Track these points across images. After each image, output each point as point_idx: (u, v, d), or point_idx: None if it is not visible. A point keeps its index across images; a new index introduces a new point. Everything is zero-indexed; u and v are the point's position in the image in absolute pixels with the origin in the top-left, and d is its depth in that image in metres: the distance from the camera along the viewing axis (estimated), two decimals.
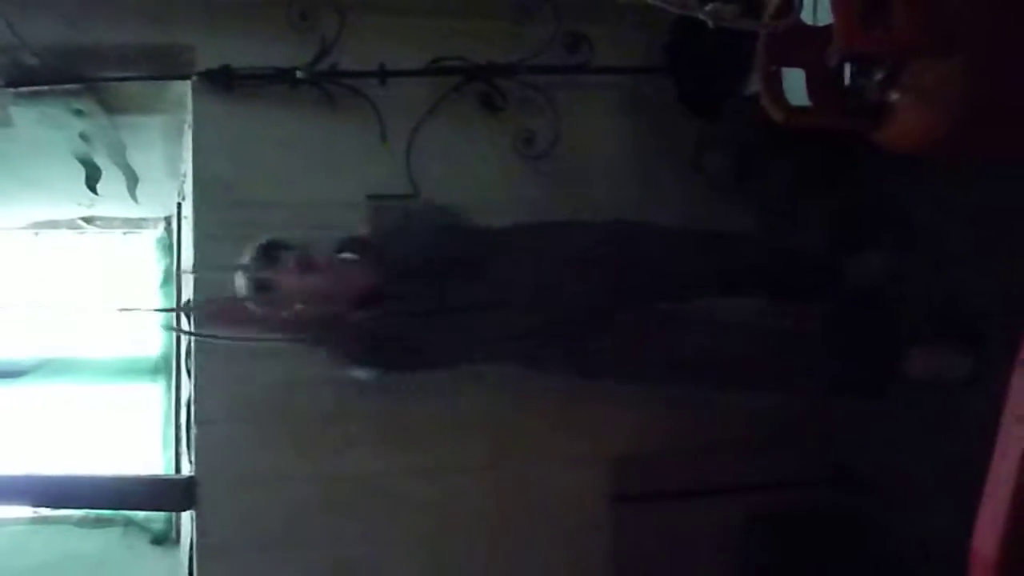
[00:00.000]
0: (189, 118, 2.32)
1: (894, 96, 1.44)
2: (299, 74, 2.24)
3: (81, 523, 2.66)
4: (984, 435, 1.06)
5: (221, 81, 2.24)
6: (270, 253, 1.93)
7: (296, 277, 1.92)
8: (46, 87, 2.24)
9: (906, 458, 2.24)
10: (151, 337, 2.83)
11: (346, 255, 2.03)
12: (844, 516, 2.43)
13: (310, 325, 2.04)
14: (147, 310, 2.69)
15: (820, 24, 1.49)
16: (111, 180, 2.49)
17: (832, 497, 2.47)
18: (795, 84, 1.55)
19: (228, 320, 2.10)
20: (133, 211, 2.77)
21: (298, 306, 1.95)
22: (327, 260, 2.00)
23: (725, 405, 2.40)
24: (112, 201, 2.63)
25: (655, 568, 2.43)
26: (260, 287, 1.92)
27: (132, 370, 2.85)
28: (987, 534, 0.92)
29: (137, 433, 2.83)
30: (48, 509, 2.61)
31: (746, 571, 2.45)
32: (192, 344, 2.33)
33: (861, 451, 2.42)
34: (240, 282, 1.95)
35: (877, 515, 2.36)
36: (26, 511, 2.65)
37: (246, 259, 1.94)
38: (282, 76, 2.25)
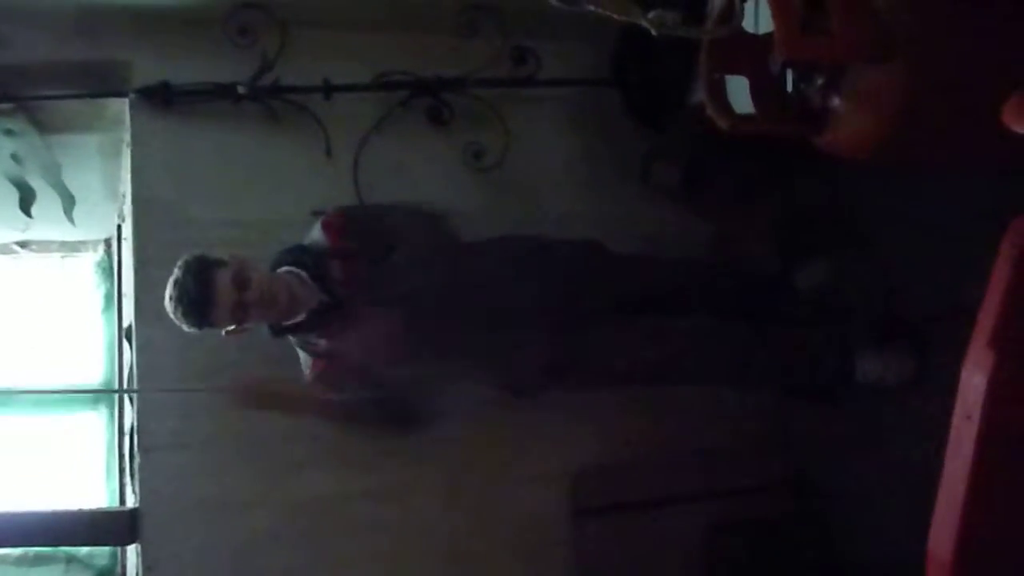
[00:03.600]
0: (127, 136, 2.26)
1: (835, 102, 1.46)
2: (241, 90, 2.20)
3: (19, 562, 2.55)
4: (934, 436, 1.07)
5: (159, 98, 2.19)
6: (202, 274, 1.81)
7: (232, 297, 1.81)
8: None
9: (862, 461, 2.27)
10: (92, 364, 2.74)
11: (289, 269, 1.97)
12: (806, 522, 2.45)
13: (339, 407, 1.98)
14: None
15: (761, 32, 1.50)
16: (46, 202, 2.40)
17: (793, 503, 2.49)
18: (739, 92, 1.56)
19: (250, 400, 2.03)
20: (71, 234, 2.69)
21: (230, 328, 1.86)
22: (264, 274, 1.91)
23: (684, 415, 2.41)
24: (48, 224, 2.55)
25: None
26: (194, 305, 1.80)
27: (72, 399, 2.75)
28: (942, 535, 0.92)
29: (79, 464, 2.73)
30: None
31: None
32: (134, 369, 2.25)
33: (819, 456, 2.44)
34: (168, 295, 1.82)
35: (838, 520, 2.38)
36: None
37: (175, 276, 1.82)
38: (223, 92, 2.20)
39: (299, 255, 1.98)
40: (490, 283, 2.02)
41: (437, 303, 1.98)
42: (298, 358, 2.02)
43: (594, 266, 2.14)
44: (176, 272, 1.82)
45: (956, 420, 0.93)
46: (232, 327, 1.86)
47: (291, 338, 2.00)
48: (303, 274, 1.95)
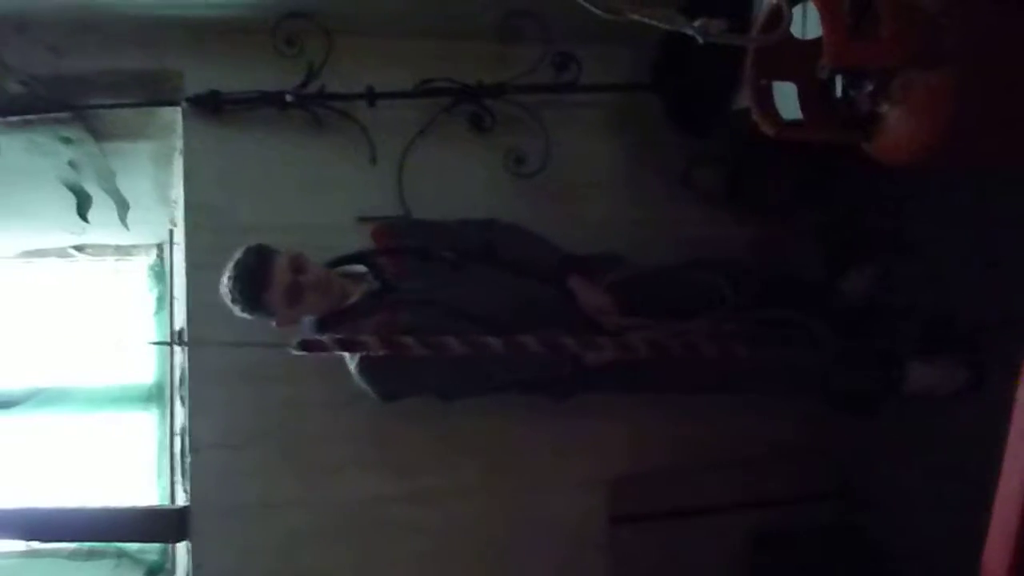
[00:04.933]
0: (179, 144, 2.32)
1: (884, 108, 1.44)
2: (288, 98, 2.23)
3: (73, 556, 2.62)
4: (982, 447, 1.05)
5: (210, 106, 2.24)
6: (262, 255, 1.88)
7: (288, 277, 1.86)
8: (33, 115, 2.23)
9: (906, 472, 2.23)
10: (144, 365, 2.80)
11: (343, 269, 2.02)
12: (847, 532, 2.41)
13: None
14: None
15: (809, 37, 1.49)
16: (101, 207, 2.47)
17: (835, 514, 2.45)
18: (785, 98, 1.55)
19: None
20: (124, 238, 2.76)
21: (285, 311, 1.90)
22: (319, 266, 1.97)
23: (725, 424, 2.39)
24: (103, 229, 2.62)
25: None
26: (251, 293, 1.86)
27: (125, 398, 2.82)
28: (997, 551, 0.90)
29: (131, 463, 2.80)
30: (40, 542, 2.57)
31: None
32: (186, 371, 2.30)
33: (863, 467, 2.40)
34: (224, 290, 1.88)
35: (880, 530, 2.34)
36: (18, 545, 2.61)
37: (235, 258, 1.89)
38: (271, 100, 2.24)
39: (351, 256, 2.05)
40: (529, 287, 2.04)
41: (477, 300, 2.00)
42: (338, 376, 2.05)
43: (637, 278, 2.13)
44: (237, 255, 1.89)
45: (1012, 438, 0.91)
46: (284, 312, 1.89)
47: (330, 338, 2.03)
48: (358, 268, 2.02)
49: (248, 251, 1.89)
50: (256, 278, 1.85)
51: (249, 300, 1.87)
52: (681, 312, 2.05)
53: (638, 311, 2.05)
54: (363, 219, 2.31)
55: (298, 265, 1.89)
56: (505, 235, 2.14)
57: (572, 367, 2.01)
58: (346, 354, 2.02)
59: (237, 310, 1.89)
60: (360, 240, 2.17)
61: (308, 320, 1.99)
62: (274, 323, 1.93)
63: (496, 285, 2.04)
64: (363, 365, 1.97)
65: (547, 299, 2.05)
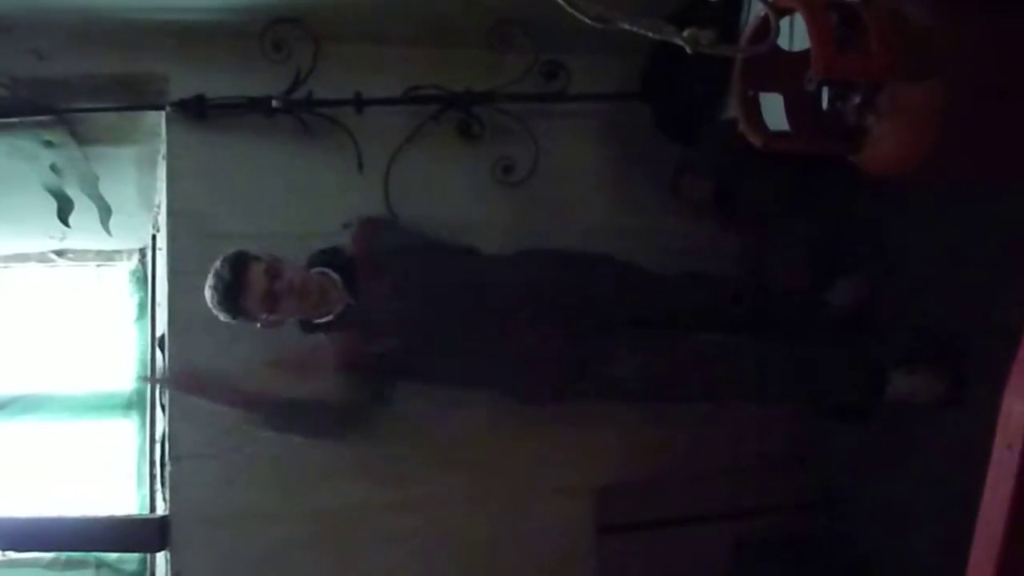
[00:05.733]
0: (163, 148, 2.30)
1: (871, 120, 1.45)
2: (274, 103, 2.22)
3: (51, 566, 2.59)
4: (967, 457, 1.05)
5: (195, 111, 2.22)
6: (238, 264, 1.90)
7: (264, 284, 1.90)
8: (15, 119, 2.20)
9: (891, 482, 2.24)
10: (124, 372, 2.77)
11: (322, 270, 2.03)
12: (832, 542, 2.41)
13: (269, 402, 2.05)
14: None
15: (797, 49, 1.49)
16: (83, 212, 2.45)
17: (820, 524, 2.45)
18: (773, 108, 1.55)
19: (191, 387, 2.11)
20: (106, 243, 2.74)
21: (265, 316, 1.94)
22: (298, 269, 1.99)
23: (711, 433, 2.39)
24: (84, 233, 2.59)
25: None
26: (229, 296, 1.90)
27: (105, 406, 2.79)
28: (982, 561, 0.90)
29: (111, 471, 2.76)
30: (18, 552, 2.53)
31: None
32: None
33: (847, 477, 2.40)
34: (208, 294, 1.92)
35: (865, 541, 2.34)
36: None
37: (215, 266, 1.92)
38: (257, 105, 2.23)
39: (332, 257, 2.05)
40: (506, 293, 2.05)
41: (452, 309, 2.02)
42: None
43: (618, 281, 2.13)
44: (216, 263, 1.93)
45: (996, 449, 0.91)
46: (264, 316, 1.94)
47: (322, 335, 2.05)
48: (335, 276, 2.02)
49: (224, 260, 1.92)
50: (232, 286, 1.89)
51: (227, 308, 1.92)
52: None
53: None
54: (347, 225, 2.29)
55: (274, 272, 1.92)
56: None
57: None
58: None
59: (220, 317, 1.93)
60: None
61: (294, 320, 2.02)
62: (258, 325, 1.96)
63: (465, 331, 2.03)
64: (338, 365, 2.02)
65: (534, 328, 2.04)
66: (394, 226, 2.24)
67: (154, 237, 2.64)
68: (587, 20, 1.22)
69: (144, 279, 2.81)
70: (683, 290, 2.20)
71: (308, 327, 2.04)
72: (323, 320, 2.01)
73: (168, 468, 2.24)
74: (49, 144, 2.29)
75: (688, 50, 1.25)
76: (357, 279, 2.02)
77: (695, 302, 2.17)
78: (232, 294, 1.90)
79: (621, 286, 2.14)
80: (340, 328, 2.03)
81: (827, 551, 2.43)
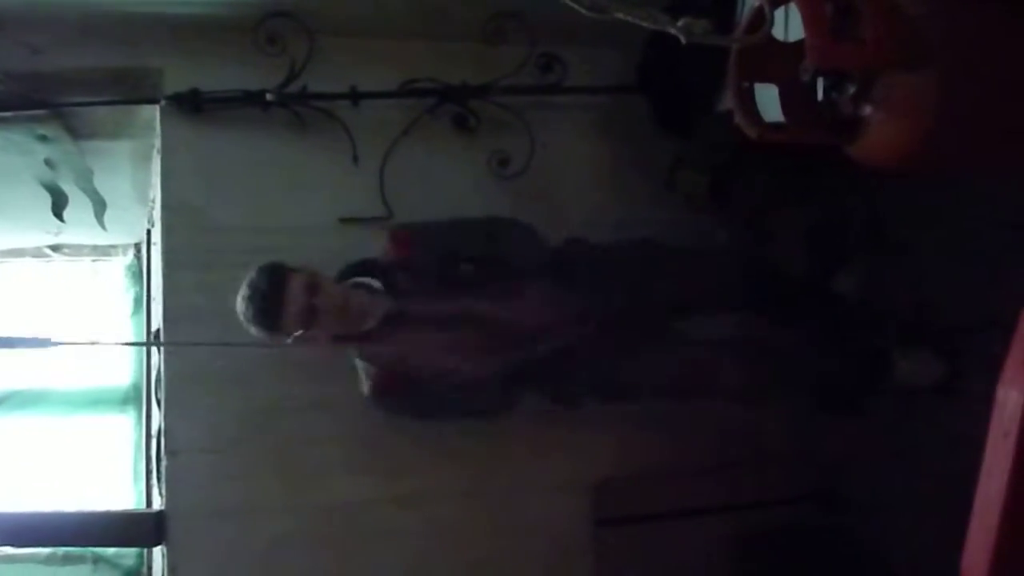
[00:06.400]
0: (158, 142, 2.29)
1: (867, 110, 1.44)
2: (269, 97, 2.21)
3: (49, 560, 2.59)
4: (965, 448, 1.05)
5: (190, 104, 2.21)
6: (275, 275, 1.83)
7: (303, 299, 1.82)
8: (9, 113, 2.20)
9: (890, 474, 2.24)
10: (121, 367, 2.77)
11: (362, 280, 1.98)
12: (832, 534, 2.42)
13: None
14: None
15: (792, 40, 1.49)
16: (78, 207, 2.44)
17: (819, 515, 2.46)
18: (768, 100, 1.55)
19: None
20: (101, 238, 2.73)
21: (301, 332, 1.86)
22: (337, 284, 1.94)
23: (708, 426, 2.39)
24: (79, 228, 2.59)
25: None
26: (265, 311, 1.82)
27: (102, 401, 2.79)
28: (977, 553, 0.90)
29: (107, 466, 2.76)
30: (14, 547, 2.53)
31: None
32: (162, 373, 2.27)
33: (846, 469, 2.41)
34: (241, 307, 1.85)
35: (864, 532, 2.34)
36: None
37: (250, 277, 1.85)
38: (252, 99, 2.22)
39: (368, 265, 2.01)
40: (544, 297, 2.03)
41: (492, 315, 1.99)
42: (325, 376, 2.04)
43: (646, 269, 2.11)
44: (251, 274, 1.85)
45: (992, 438, 0.91)
46: (299, 332, 1.85)
47: (352, 353, 2.01)
48: (374, 283, 1.98)
49: (261, 271, 1.84)
50: (269, 300, 1.81)
51: (263, 323, 1.83)
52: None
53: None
54: (345, 220, 2.29)
55: (313, 287, 1.84)
56: (506, 233, 2.08)
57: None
58: (362, 377, 2.01)
59: (252, 331, 1.86)
60: (339, 241, 2.14)
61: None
62: (289, 342, 1.88)
63: (509, 297, 2.00)
64: (376, 392, 1.98)
65: (563, 312, 2.02)
66: (429, 227, 2.14)
67: (149, 232, 2.63)
68: (582, 10, 1.21)
69: (139, 274, 2.80)
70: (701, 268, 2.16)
71: (341, 342, 1.98)
72: (364, 331, 1.94)
73: (164, 463, 2.23)
74: (43, 138, 2.29)
75: (682, 39, 1.24)
76: (398, 283, 1.97)
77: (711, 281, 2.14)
78: (270, 307, 1.80)
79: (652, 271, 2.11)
80: (381, 336, 1.95)
81: (826, 544, 2.43)
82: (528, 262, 2.05)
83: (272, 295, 1.81)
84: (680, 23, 1.24)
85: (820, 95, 1.49)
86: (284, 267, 1.85)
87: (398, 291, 1.97)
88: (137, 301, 2.79)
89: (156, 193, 2.35)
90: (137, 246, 2.83)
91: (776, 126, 1.55)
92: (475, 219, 2.11)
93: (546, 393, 2.11)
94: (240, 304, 1.84)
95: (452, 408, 2.05)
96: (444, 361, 1.96)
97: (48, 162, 2.33)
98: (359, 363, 2.02)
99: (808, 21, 1.31)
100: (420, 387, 1.99)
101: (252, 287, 1.83)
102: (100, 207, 2.45)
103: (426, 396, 2.00)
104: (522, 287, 2.02)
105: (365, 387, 2.00)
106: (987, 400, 0.99)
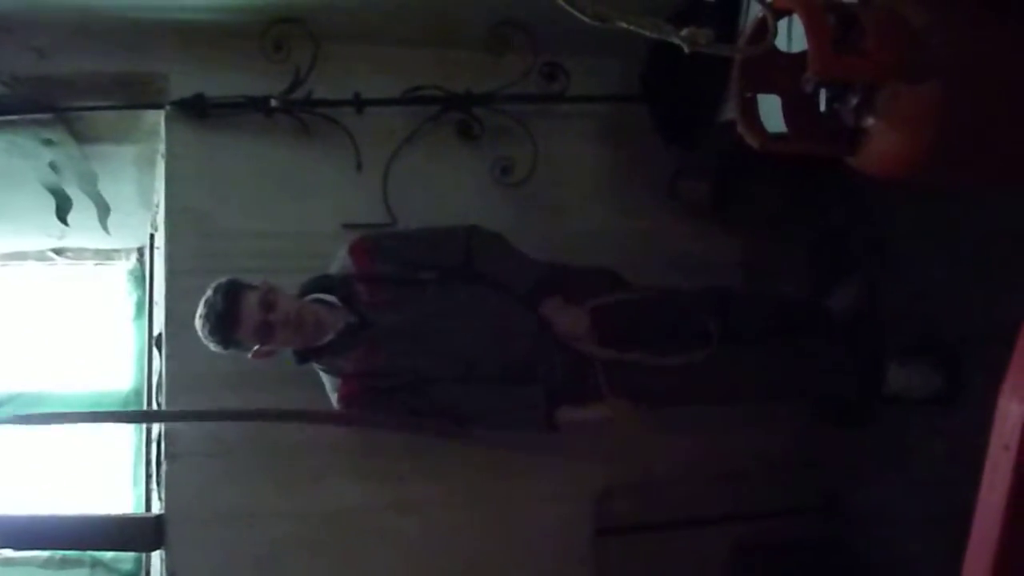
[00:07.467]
0: (162, 147, 2.30)
1: (869, 122, 1.44)
2: (273, 103, 2.22)
3: (47, 564, 2.58)
4: (967, 460, 1.04)
5: (194, 110, 2.22)
6: (230, 293, 1.86)
7: (258, 316, 1.86)
8: (15, 116, 2.21)
9: (892, 486, 2.23)
10: (122, 371, 2.77)
11: (321, 296, 1.99)
12: (833, 546, 2.41)
13: None
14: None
15: (795, 51, 1.49)
16: (82, 211, 2.45)
17: (821, 527, 2.45)
18: (771, 110, 1.55)
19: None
20: (104, 242, 2.73)
21: (258, 347, 1.90)
22: (292, 299, 1.95)
23: (710, 437, 2.38)
24: (83, 232, 2.59)
25: None
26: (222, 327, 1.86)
27: (102, 405, 2.78)
28: (978, 565, 0.90)
29: (107, 470, 2.76)
30: (13, 550, 2.52)
31: None
32: (163, 378, 2.28)
33: (848, 480, 2.40)
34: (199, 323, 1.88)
35: (865, 544, 2.34)
36: None
37: (206, 295, 1.88)
38: (256, 105, 2.23)
39: (325, 281, 2.02)
40: (508, 307, 2.02)
41: (459, 325, 1.99)
42: (321, 384, 2.04)
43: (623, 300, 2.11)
44: (208, 292, 1.89)
45: (992, 449, 0.91)
46: (257, 347, 1.90)
47: (316, 365, 2.02)
48: (330, 298, 1.99)
49: (217, 288, 1.88)
50: (225, 317, 1.85)
51: (220, 339, 1.88)
52: (663, 343, 2.04)
53: (619, 339, 2.02)
54: (348, 226, 2.29)
55: (269, 302, 1.88)
56: (485, 246, 2.07)
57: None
58: (328, 389, 2.02)
59: (211, 347, 1.90)
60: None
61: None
62: (249, 356, 1.92)
63: (475, 309, 2.01)
64: (343, 403, 2.00)
65: (525, 324, 2.02)
66: (390, 236, 2.17)
67: (152, 236, 2.64)
68: (586, 19, 1.22)
69: (142, 278, 2.80)
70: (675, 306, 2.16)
71: (302, 357, 2.01)
72: (322, 344, 1.97)
73: (164, 467, 2.23)
74: (48, 142, 2.29)
75: (686, 49, 1.25)
76: (357, 295, 1.99)
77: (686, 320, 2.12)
78: (225, 325, 1.85)
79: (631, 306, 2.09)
80: (343, 348, 1.98)
81: (826, 554, 2.42)
82: (491, 269, 2.05)
83: (227, 312, 1.84)
84: (684, 33, 1.24)
85: (823, 106, 1.50)
86: (239, 284, 1.89)
87: (359, 302, 1.99)
88: (139, 305, 2.79)
89: (160, 198, 2.36)
90: (140, 250, 2.83)
91: (779, 136, 1.55)
92: (436, 228, 2.13)
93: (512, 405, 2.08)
94: (197, 322, 1.88)
95: (424, 415, 2.05)
96: (406, 369, 1.98)
97: (53, 166, 2.34)
98: (324, 376, 2.04)
99: (811, 32, 1.32)
100: (385, 397, 2.00)
101: (208, 305, 1.87)
102: (104, 211, 2.45)
103: (395, 405, 2.01)
104: (484, 295, 2.03)
105: (332, 399, 2.02)
106: (988, 412, 0.99)
